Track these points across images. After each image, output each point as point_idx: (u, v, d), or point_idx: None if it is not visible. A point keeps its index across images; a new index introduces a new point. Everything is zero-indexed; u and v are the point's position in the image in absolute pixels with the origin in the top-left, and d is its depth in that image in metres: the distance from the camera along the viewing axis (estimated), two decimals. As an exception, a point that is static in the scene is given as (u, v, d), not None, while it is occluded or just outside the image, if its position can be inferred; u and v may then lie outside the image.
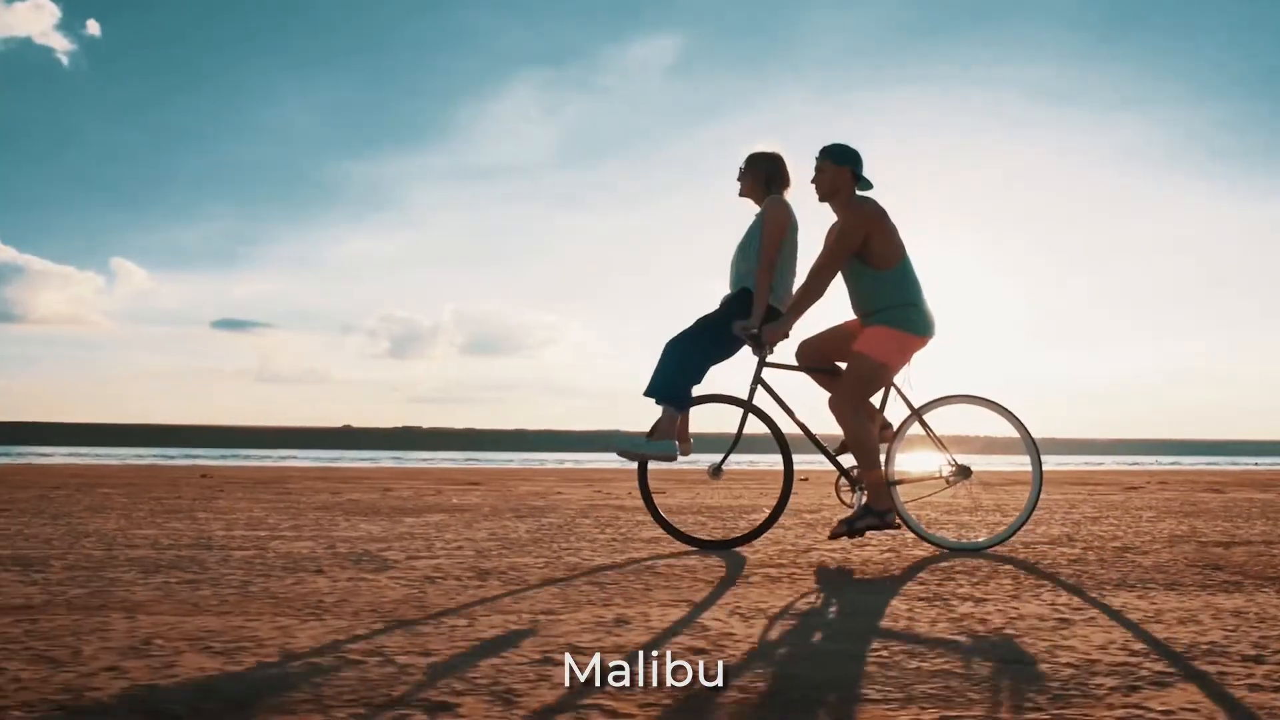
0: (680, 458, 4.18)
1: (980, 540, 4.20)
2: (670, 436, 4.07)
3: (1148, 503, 7.13)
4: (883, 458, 4.13)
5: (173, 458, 24.23)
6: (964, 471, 4.17)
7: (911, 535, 4.31)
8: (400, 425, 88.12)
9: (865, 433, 4.04)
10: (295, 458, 26.95)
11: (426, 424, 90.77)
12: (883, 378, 4.09)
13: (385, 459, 26.13)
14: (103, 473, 11.88)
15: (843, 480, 4.20)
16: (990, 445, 4.84)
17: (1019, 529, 4.23)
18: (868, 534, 4.28)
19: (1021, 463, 4.28)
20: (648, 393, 4.12)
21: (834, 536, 4.14)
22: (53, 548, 4.09)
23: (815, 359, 4.26)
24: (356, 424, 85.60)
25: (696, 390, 4.15)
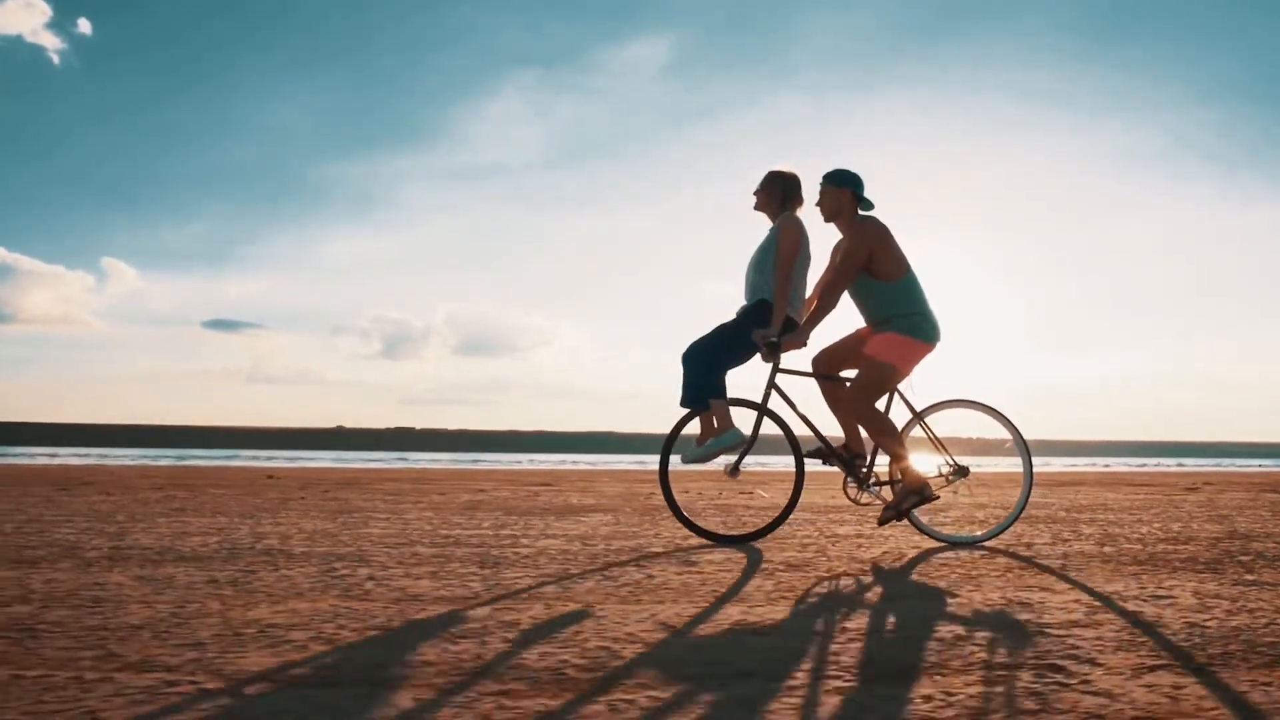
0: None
1: (979, 534, 4.54)
2: (730, 425, 4.42)
3: (1234, 503, 7.23)
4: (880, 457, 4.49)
5: (167, 458, 24.37)
6: (962, 471, 4.51)
7: (919, 533, 4.65)
8: (393, 426, 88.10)
9: (886, 426, 4.38)
10: (306, 459, 27.11)
11: (420, 425, 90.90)
12: (891, 380, 4.42)
13: (391, 459, 26.33)
14: (172, 475, 11.72)
15: (850, 480, 4.54)
16: (985, 447, 5.18)
17: (1012, 524, 4.59)
18: (873, 528, 4.61)
19: (1014, 463, 4.64)
20: (686, 403, 4.45)
21: (883, 523, 4.47)
22: (418, 545, 4.39)
23: (829, 367, 4.59)
24: (349, 425, 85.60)
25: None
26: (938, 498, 4.43)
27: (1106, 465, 27.15)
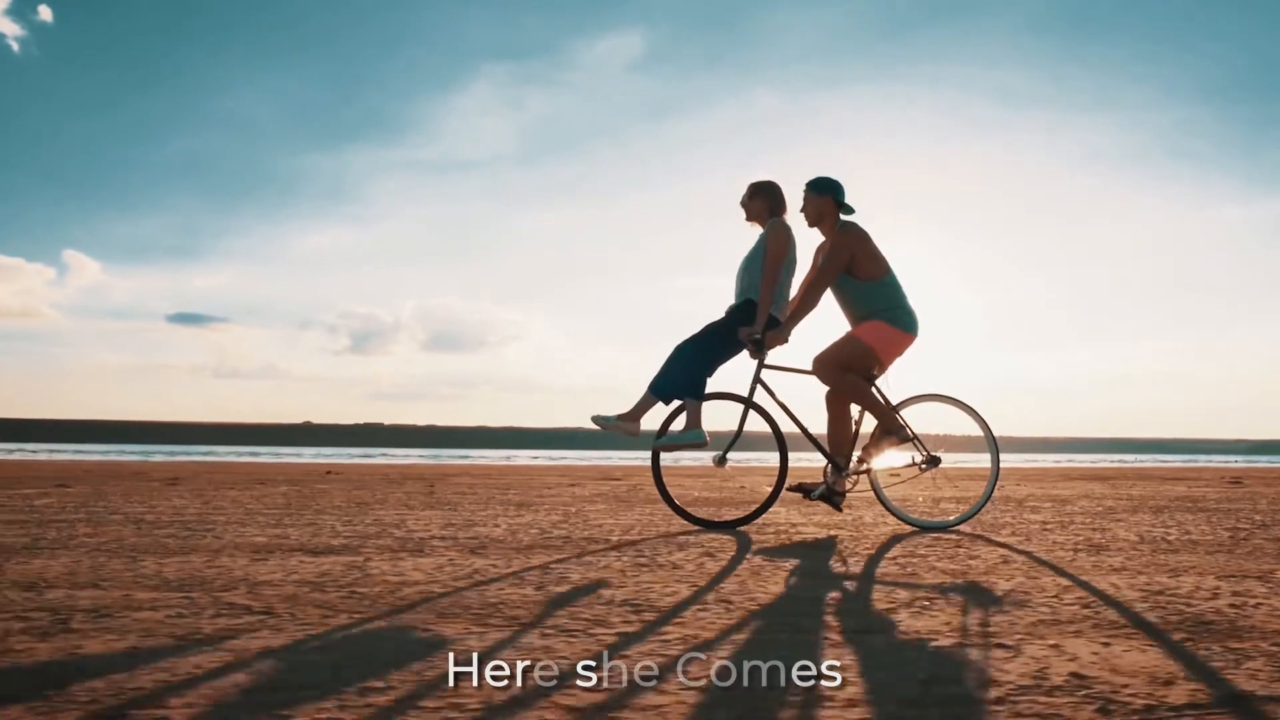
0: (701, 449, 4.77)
1: (950, 519, 4.85)
2: (698, 426, 4.68)
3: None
4: (857, 453, 4.78)
5: (136, 454, 24.23)
6: (934, 461, 4.81)
7: (893, 518, 4.94)
8: (361, 422, 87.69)
9: (855, 385, 4.67)
10: (287, 454, 27.01)
11: (389, 421, 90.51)
12: (866, 362, 4.71)
13: (376, 455, 26.35)
14: (247, 472, 11.61)
15: (830, 467, 4.82)
16: (955, 439, 5.48)
17: (979, 510, 4.91)
18: (839, 511, 4.88)
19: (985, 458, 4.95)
20: (659, 392, 4.70)
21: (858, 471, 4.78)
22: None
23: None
24: (316, 420, 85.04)
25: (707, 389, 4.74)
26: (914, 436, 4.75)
27: (1071, 461, 27.79)
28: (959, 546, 4.02)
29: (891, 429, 4.71)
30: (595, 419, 4.74)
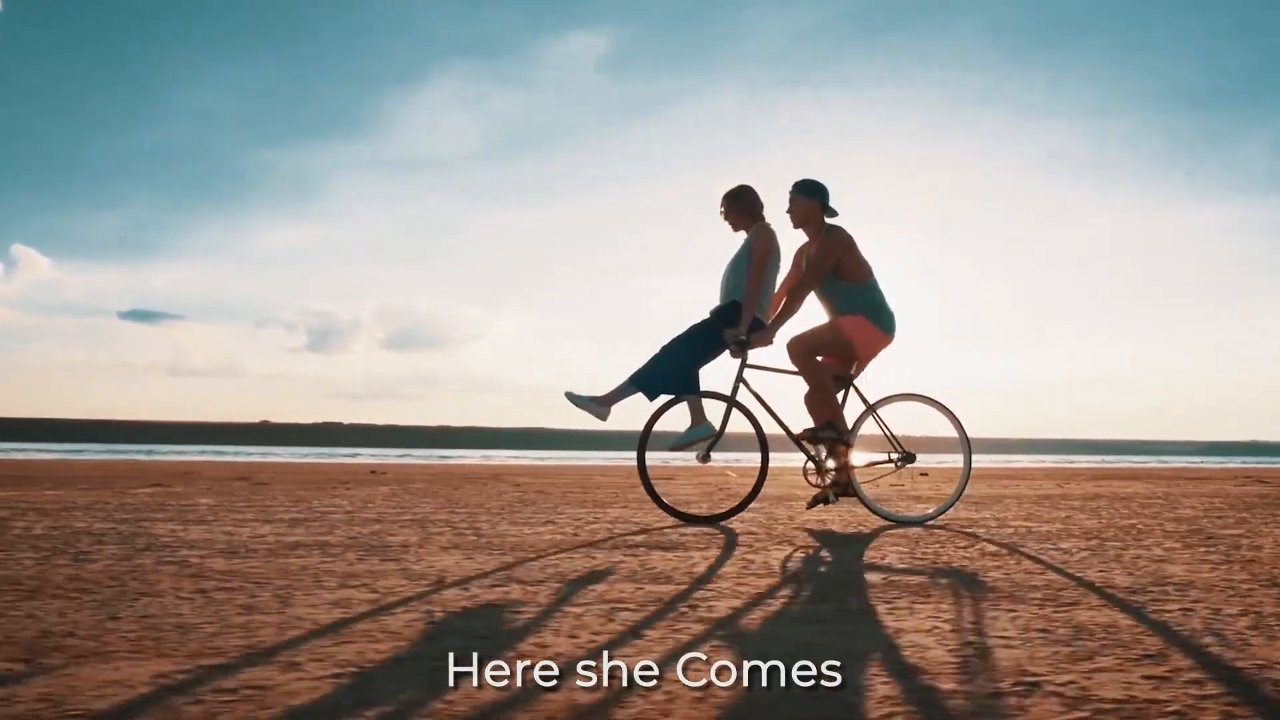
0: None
1: (928, 514, 5.04)
2: (705, 419, 4.85)
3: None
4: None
5: (99, 453, 23.87)
6: (909, 458, 5.01)
7: (865, 511, 5.12)
8: (320, 421, 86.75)
9: (820, 376, 4.83)
10: (265, 455, 26.74)
11: (348, 420, 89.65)
12: (842, 353, 4.89)
13: (337, 455, 26.16)
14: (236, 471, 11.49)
15: (810, 465, 4.99)
16: (931, 439, 5.69)
17: (951, 506, 5.11)
18: (827, 507, 5.06)
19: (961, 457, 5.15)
20: (645, 387, 4.82)
21: (806, 439, 4.91)
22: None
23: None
24: (274, 420, 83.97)
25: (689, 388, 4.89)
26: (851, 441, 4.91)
27: (1069, 461, 28.39)
28: (935, 539, 4.21)
29: (836, 432, 4.84)
30: (570, 395, 4.85)
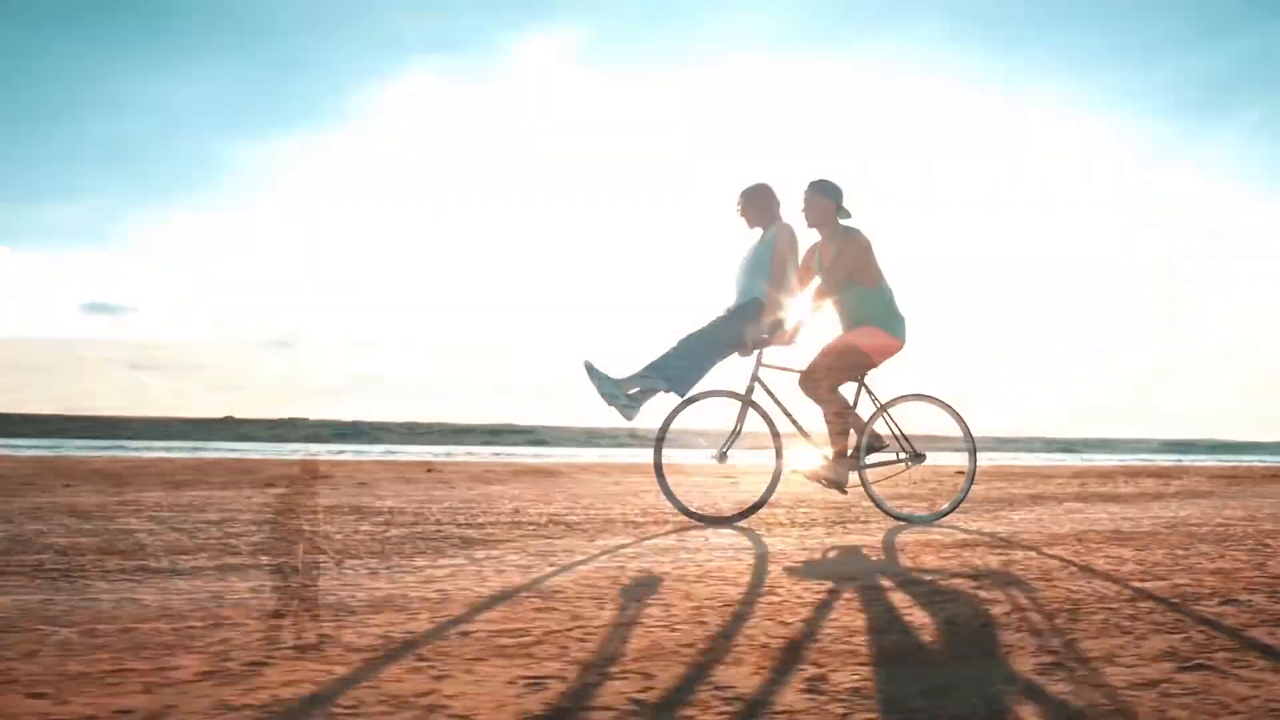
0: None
1: (938, 512, 5.11)
2: (642, 403, 4.77)
3: None
4: (851, 440, 5.00)
5: (73, 448, 23.38)
6: (919, 457, 5.06)
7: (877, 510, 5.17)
8: (286, 417, 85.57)
9: (841, 404, 4.89)
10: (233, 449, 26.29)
11: (314, 416, 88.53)
12: (859, 365, 4.92)
13: (321, 451, 25.74)
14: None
15: (818, 464, 5.02)
16: (936, 438, 5.76)
17: (958, 506, 5.18)
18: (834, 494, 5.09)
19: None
20: (665, 375, 4.76)
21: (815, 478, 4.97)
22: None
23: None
24: (239, 415, 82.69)
25: (703, 386, 4.89)
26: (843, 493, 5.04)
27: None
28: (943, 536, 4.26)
29: (880, 442, 4.94)
30: (589, 368, 4.74)
